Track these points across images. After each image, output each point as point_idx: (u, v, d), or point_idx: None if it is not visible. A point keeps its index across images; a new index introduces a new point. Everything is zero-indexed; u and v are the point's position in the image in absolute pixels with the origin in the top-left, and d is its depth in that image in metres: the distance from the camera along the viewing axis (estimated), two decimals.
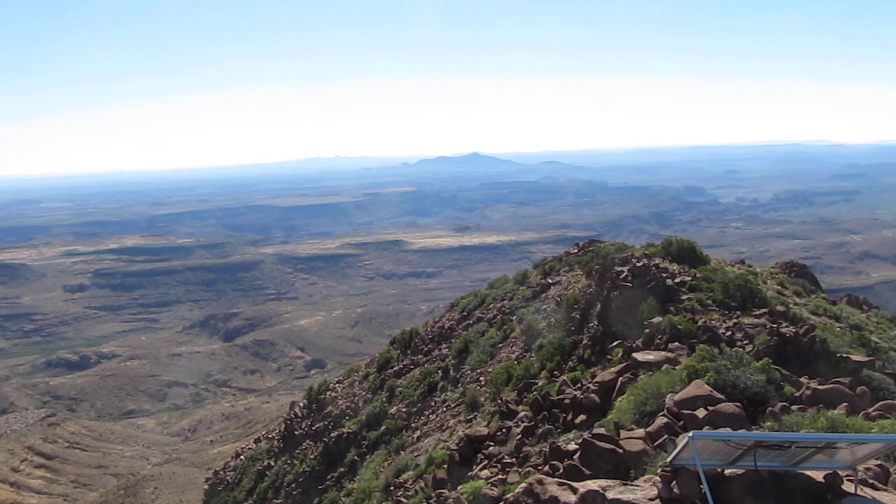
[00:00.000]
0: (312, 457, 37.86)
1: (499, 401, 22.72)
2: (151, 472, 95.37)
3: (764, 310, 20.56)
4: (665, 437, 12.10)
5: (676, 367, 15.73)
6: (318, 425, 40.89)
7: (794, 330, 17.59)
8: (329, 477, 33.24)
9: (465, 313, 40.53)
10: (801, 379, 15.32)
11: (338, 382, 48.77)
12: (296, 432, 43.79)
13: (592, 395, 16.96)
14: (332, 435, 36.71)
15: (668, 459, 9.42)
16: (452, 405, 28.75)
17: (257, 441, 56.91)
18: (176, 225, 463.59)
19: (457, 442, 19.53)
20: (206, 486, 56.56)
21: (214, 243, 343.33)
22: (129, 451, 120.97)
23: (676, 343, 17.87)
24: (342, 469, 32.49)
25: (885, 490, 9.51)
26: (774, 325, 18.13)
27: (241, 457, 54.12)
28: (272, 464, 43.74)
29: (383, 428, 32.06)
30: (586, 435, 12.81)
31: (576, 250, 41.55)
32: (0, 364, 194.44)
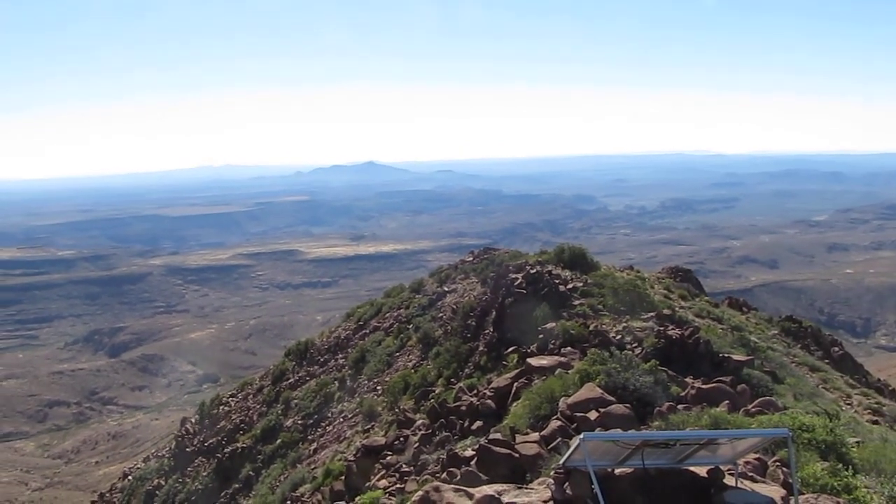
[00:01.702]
0: (206, 474, 36.77)
1: (396, 410, 22.74)
2: (31, 498, 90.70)
3: (652, 313, 21.35)
4: (559, 440, 12.38)
5: (569, 372, 16.12)
6: (210, 441, 39.74)
7: (679, 332, 18.33)
8: (223, 494, 32.36)
9: (361, 323, 40.37)
10: (687, 379, 15.98)
11: (231, 396, 47.56)
12: (187, 449, 42.42)
13: (489, 401, 17.17)
14: (225, 450, 35.79)
15: (561, 462, 9.64)
16: (350, 416, 28.56)
17: (146, 460, 54.78)
18: (56, 237, 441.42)
19: (354, 452, 19.42)
20: None
21: (98, 255, 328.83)
22: (6, 475, 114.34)
23: (569, 348, 18.31)
24: (237, 485, 31.70)
25: (764, 482, 10.04)
26: (661, 328, 18.85)
27: (129, 477, 51.99)
28: (162, 483, 42.18)
29: (279, 441, 31.50)
30: (483, 440, 12.96)
31: (471, 258, 42.09)
32: None
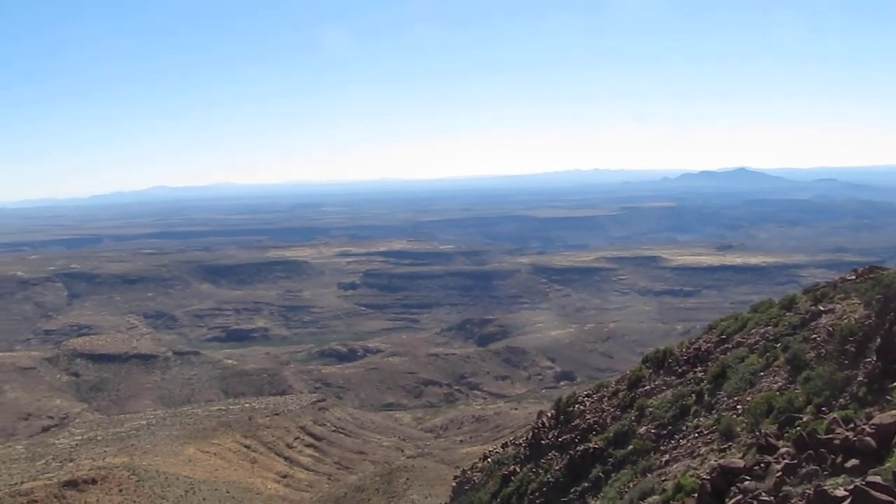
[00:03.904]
0: (557, 468, 37.82)
1: (757, 433, 21.32)
2: (405, 464, 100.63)
3: None
4: None
5: None
6: (564, 437, 40.78)
7: None
8: (573, 490, 33.03)
9: (723, 336, 38.47)
10: None
11: (587, 396, 48.34)
12: (542, 441, 44.00)
13: (868, 438, 15.34)
14: (577, 448, 36.45)
15: None
16: (705, 432, 27.38)
17: (504, 446, 57.95)
18: (438, 231, 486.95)
19: (708, 471, 18.60)
20: (453, 484, 58.62)
21: (474, 251, 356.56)
22: (387, 441, 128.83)
23: None
24: (586, 484, 32.16)
25: None
26: None
27: (489, 459, 55.38)
28: (517, 470, 44.33)
29: (630, 447, 31.27)
30: (860, 482, 11.65)
31: (853, 277, 37.84)
32: (282, 350, 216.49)
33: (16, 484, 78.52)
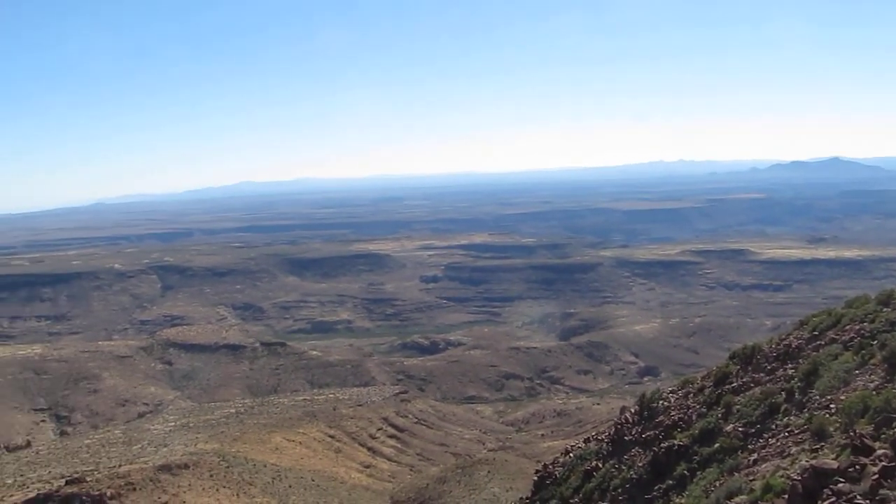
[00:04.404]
0: (640, 465, 37.28)
1: (851, 433, 20.55)
2: (486, 457, 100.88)
3: None
4: None
5: None
6: (648, 433, 40.15)
7: None
8: (657, 488, 32.50)
9: (816, 333, 37.12)
10: None
11: (671, 392, 47.46)
12: (625, 437, 43.44)
13: None
14: (661, 445, 35.83)
15: None
16: (796, 431, 26.51)
17: (587, 441, 57.44)
18: (520, 224, 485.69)
19: (800, 472, 18.03)
20: (535, 478, 58.38)
21: (555, 244, 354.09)
22: (468, 433, 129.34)
23: None
24: (670, 482, 31.58)
25: None
26: None
27: (570, 454, 54.93)
28: (600, 465, 43.89)
29: (717, 445, 30.54)
30: None
31: None
32: (365, 342, 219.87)
33: (114, 466, 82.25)
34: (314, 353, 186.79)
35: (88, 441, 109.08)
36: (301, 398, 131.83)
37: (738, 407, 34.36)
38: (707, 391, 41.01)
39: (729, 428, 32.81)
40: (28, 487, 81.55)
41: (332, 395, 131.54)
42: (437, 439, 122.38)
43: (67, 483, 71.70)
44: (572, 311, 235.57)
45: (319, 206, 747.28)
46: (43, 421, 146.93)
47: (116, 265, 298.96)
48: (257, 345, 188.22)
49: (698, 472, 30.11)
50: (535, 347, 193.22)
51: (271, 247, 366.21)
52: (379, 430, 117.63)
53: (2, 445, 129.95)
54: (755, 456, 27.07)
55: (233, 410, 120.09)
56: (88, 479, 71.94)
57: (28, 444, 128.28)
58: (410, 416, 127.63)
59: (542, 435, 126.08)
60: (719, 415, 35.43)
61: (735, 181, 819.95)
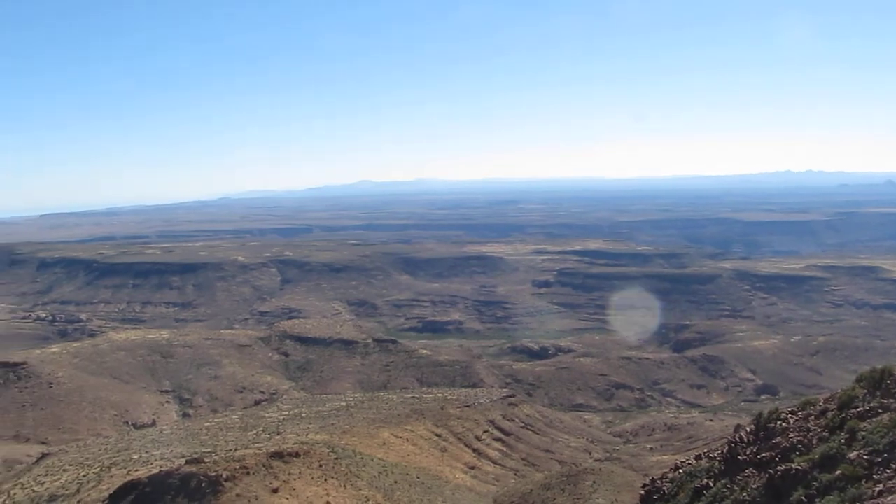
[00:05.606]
0: (754, 486, 35.84)
1: None
2: (592, 467, 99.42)
3: None
4: None
5: None
6: (763, 455, 38.55)
7: None
8: None
9: None
10: None
11: (791, 413, 45.37)
12: (739, 457, 41.85)
13: None
14: (778, 468, 34.35)
15: None
16: None
17: (698, 458, 55.70)
18: (636, 232, 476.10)
19: None
20: (641, 492, 57.12)
21: (673, 253, 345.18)
22: (574, 441, 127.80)
23: None
24: None
25: None
26: None
27: (680, 470, 53.42)
28: (710, 484, 42.47)
29: (838, 472, 29.02)
30: None
31: None
32: (474, 344, 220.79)
33: (230, 450, 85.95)
34: (424, 351, 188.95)
35: (208, 424, 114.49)
36: (410, 395, 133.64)
37: (863, 434, 32.55)
38: (830, 414, 39.03)
39: (852, 455, 31.12)
40: (151, 464, 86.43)
41: (440, 395, 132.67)
42: (543, 445, 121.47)
43: (187, 463, 75.42)
44: (687, 322, 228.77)
45: (435, 207, 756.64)
46: (167, 402, 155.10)
47: (240, 258, 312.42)
48: (370, 341, 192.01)
49: (817, 500, 28.70)
50: (647, 358, 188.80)
51: (387, 245, 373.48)
52: (485, 432, 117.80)
53: (130, 423, 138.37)
54: (880, 487, 25.58)
55: (343, 403, 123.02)
56: (206, 460, 75.40)
57: (153, 423, 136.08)
58: (517, 420, 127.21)
59: (651, 448, 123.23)
60: (842, 440, 33.66)
61: (868, 194, 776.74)
